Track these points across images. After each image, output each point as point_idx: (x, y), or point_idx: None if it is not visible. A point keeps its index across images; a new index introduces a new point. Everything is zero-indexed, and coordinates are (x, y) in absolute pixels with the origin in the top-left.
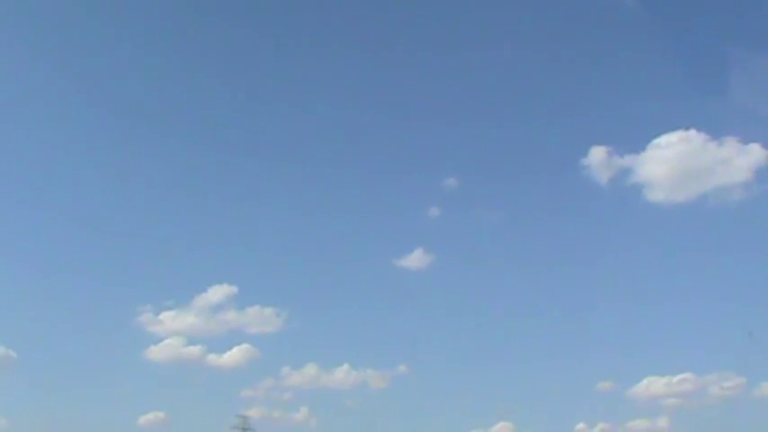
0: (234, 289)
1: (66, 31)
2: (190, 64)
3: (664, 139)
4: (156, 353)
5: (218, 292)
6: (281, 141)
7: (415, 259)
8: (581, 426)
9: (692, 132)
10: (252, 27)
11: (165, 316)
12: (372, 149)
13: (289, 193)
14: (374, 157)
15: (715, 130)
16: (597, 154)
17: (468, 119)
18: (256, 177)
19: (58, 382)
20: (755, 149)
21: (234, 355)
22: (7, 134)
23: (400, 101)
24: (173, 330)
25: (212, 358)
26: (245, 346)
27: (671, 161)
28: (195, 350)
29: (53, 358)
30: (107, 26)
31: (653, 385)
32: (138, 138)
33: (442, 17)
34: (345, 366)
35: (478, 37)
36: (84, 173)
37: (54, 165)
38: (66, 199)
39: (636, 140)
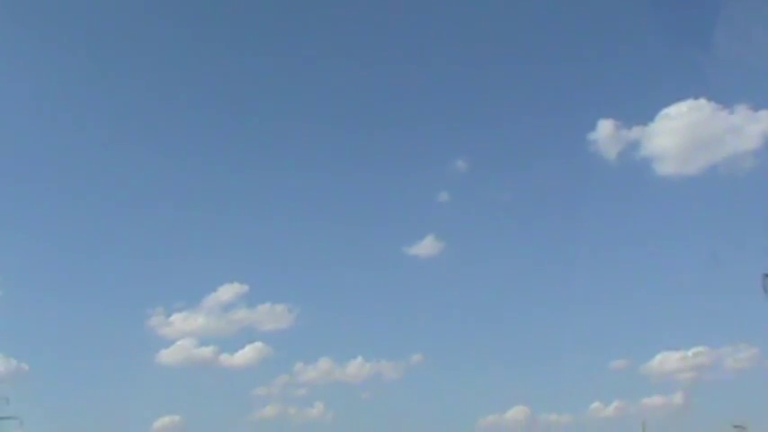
0: (244, 287)
1: (67, 31)
2: (202, 64)
3: (673, 109)
4: (167, 356)
5: (228, 291)
6: (285, 132)
7: (426, 246)
8: (596, 405)
9: (702, 101)
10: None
11: (176, 318)
12: (378, 134)
13: (295, 184)
14: (380, 142)
15: (725, 97)
16: (605, 127)
17: (473, 99)
18: (262, 171)
19: (70, 391)
20: (767, 116)
21: (246, 354)
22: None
23: (405, 83)
24: (184, 332)
25: (225, 358)
26: (257, 344)
27: (680, 132)
28: (207, 351)
29: (65, 367)
30: (108, 29)
31: (666, 361)
32: (146, 139)
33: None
34: (359, 359)
35: (479, 14)
36: (92, 175)
37: (61, 168)
38: (73, 202)
39: (644, 111)
